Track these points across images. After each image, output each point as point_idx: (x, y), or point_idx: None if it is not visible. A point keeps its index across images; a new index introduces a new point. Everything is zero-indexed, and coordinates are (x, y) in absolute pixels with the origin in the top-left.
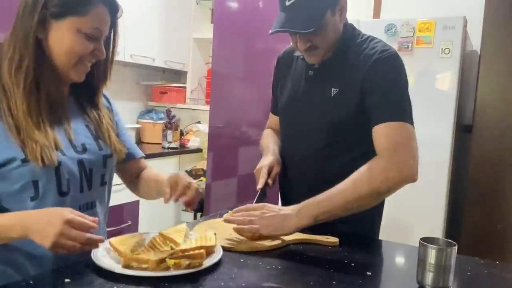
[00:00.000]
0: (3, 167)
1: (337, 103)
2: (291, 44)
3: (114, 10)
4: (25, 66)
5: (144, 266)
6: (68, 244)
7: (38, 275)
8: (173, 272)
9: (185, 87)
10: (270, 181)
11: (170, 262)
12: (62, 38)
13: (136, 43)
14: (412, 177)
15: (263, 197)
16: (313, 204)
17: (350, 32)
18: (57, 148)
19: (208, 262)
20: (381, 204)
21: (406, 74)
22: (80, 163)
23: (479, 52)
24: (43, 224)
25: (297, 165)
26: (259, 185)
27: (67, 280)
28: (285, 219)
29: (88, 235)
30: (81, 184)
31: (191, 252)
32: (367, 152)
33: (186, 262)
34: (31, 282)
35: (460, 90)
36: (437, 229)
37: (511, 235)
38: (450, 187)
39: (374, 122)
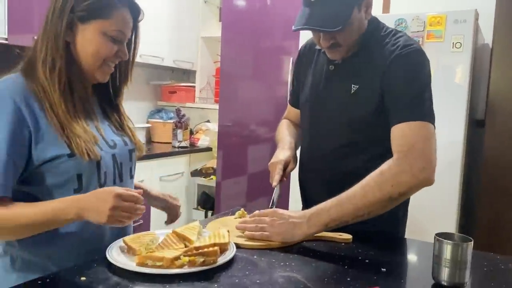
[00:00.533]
0: (51, 162)
1: (357, 100)
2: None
3: (136, 14)
4: (58, 68)
5: (158, 263)
6: (123, 215)
7: (54, 274)
8: (187, 270)
9: (194, 86)
10: (285, 178)
11: (185, 259)
12: (89, 41)
13: (145, 43)
14: (426, 181)
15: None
16: (323, 211)
17: (374, 26)
18: (95, 143)
19: (222, 259)
20: (405, 203)
21: (429, 70)
22: (114, 157)
23: (491, 46)
24: (96, 202)
25: (316, 162)
26: (275, 182)
27: (82, 278)
28: (295, 227)
29: (137, 205)
30: (114, 177)
31: (205, 250)
32: (388, 151)
33: (200, 259)
34: (48, 280)
35: (472, 85)
36: (450, 226)
37: None
38: (463, 182)
39: (392, 121)
